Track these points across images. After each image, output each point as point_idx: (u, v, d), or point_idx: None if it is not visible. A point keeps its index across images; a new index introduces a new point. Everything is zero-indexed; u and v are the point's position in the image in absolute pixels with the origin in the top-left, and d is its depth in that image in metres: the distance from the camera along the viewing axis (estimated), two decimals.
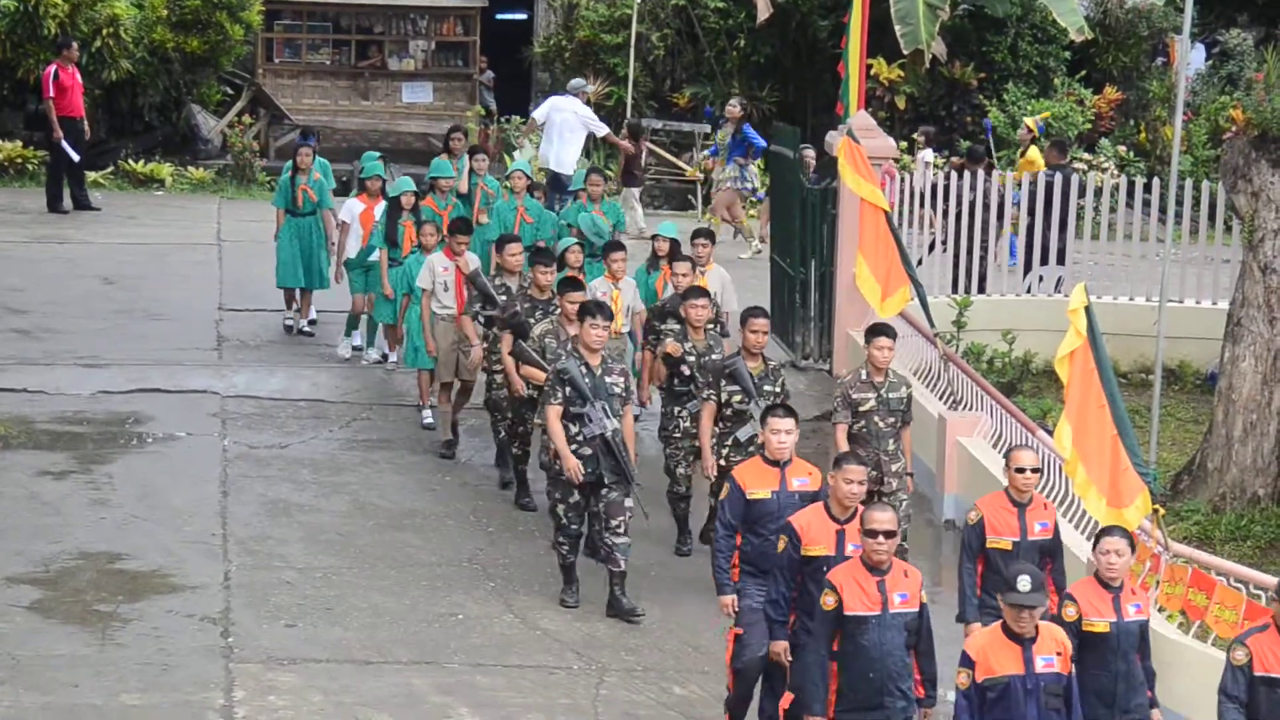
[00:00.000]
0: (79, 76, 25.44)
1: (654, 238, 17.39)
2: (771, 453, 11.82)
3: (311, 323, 20.26)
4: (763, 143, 24.38)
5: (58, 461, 16.20)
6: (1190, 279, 20.41)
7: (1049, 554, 11.81)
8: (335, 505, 15.63)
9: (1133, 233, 21.06)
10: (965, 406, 16.44)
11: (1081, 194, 20.90)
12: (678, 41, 30.17)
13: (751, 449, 13.33)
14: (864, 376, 13.95)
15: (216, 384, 18.43)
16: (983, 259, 20.68)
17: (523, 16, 32.45)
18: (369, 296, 18.85)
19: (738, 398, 13.94)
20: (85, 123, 25.39)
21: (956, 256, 20.45)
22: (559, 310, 14.93)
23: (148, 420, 17.38)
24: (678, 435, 14.98)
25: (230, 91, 29.94)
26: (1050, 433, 13.53)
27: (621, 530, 13.38)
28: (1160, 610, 12.22)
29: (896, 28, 26.74)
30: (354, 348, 19.37)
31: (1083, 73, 29.32)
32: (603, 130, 25.63)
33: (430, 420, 17.34)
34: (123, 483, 15.81)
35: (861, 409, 13.87)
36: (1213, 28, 31.85)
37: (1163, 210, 19.66)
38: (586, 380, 13.39)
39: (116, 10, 27.61)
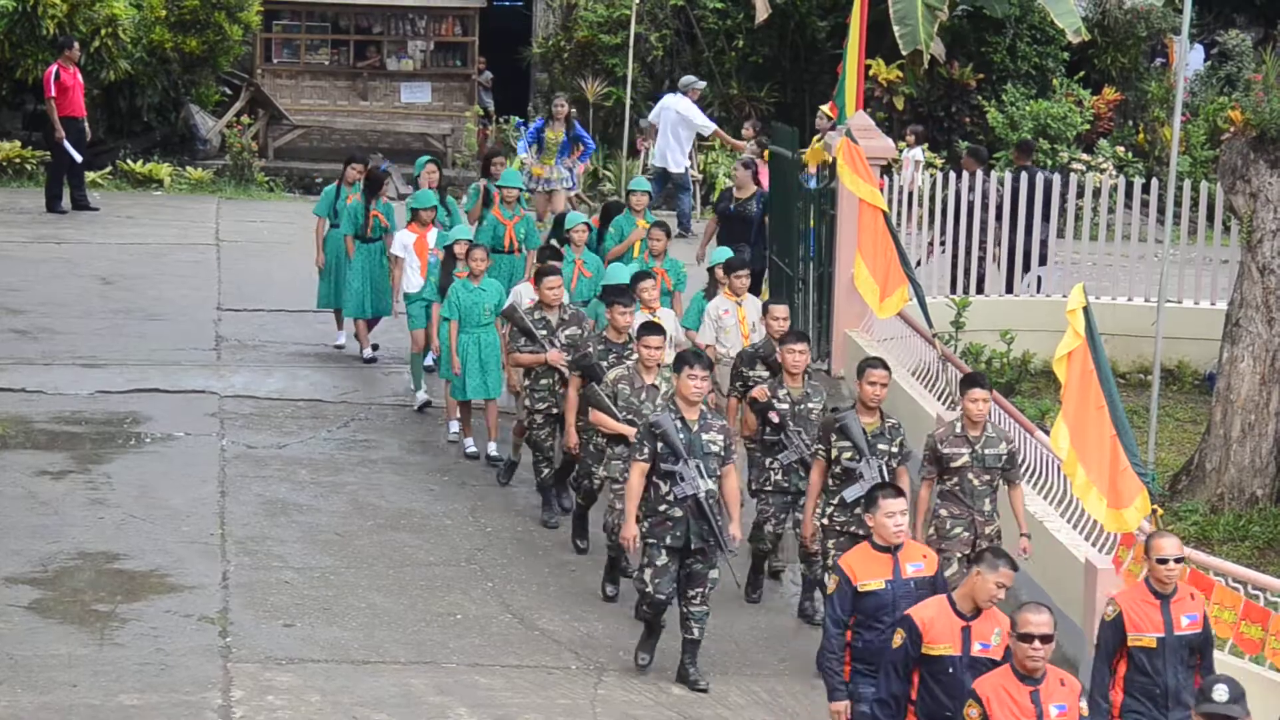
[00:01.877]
0: (80, 76, 25.45)
1: (711, 268, 16.88)
2: (884, 538, 10.85)
3: (374, 347, 19.51)
4: (593, 144, 23.94)
5: (56, 461, 16.19)
6: (1189, 280, 20.41)
7: (1199, 650, 10.72)
8: (333, 505, 15.63)
9: (1131, 233, 21.05)
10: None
11: (1080, 194, 20.91)
12: (676, 42, 30.15)
13: (857, 510, 12.40)
14: (958, 430, 12.88)
15: (214, 384, 18.44)
16: (981, 259, 20.68)
17: (520, 2, 32.43)
18: (418, 333, 17.90)
19: (848, 455, 12.68)
20: (86, 123, 25.40)
21: (955, 257, 20.45)
22: (635, 355, 13.98)
23: (146, 420, 17.38)
24: (769, 489, 13.85)
25: (229, 92, 29.92)
26: (1048, 433, 13.52)
27: (699, 601, 12.49)
28: None
29: (895, 28, 26.72)
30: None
31: (1081, 73, 29.30)
32: (710, 128, 25.84)
33: (473, 449, 16.78)
34: (121, 482, 15.81)
35: (953, 465, 12.76)
36: (1211, 28, 31.82)
37: (1161, 211, 19.67)
38: (681, 436, 12.34)
39: (115, 10, 27.59)
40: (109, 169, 27.43)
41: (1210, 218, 20.23)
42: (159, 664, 12.45)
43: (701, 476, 12.26)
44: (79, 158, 25.19)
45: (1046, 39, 29.38)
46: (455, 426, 17.05)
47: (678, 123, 25.80)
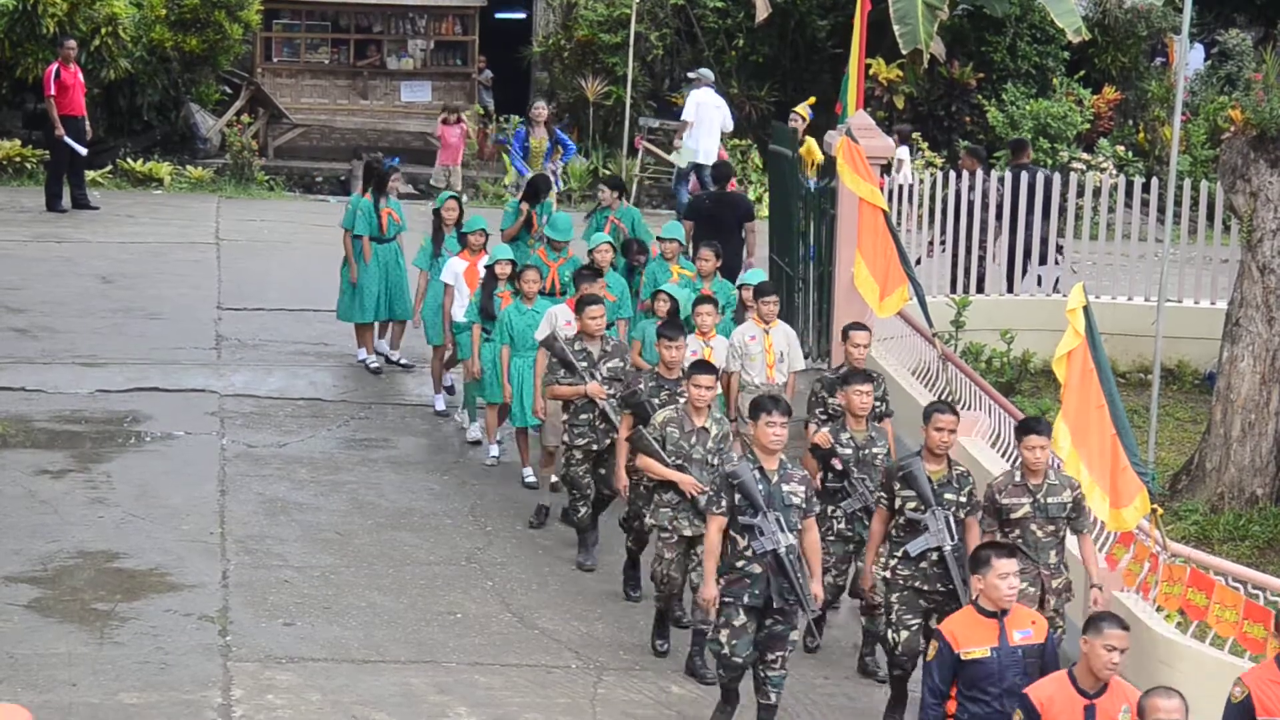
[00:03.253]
0: (80, 75, 25.44)
1: (740, 287, 16.59)
2: (994, 601, 10.11)
3: (392, 362, 19.05)
4: (574, 146, 23.41)
5: (56, 460, 16.19)
6: (1189, 279, 20.41)
7: None
8: (333, 504, 15.63)
9: (1131, 232, 21.05)
10: (964, 406, 16.41)
11: (1080, 194, 20.90)
12: (676, 41, 30.15)
13: (922, 564, 11.89)
14: (1017, 479, 12.09)
15: (215, 383, 18.44)
16: (981, 258, 20.67)
17: (521, 16, 32.44)
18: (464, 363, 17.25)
19: (912, 505, 11.95)
20: (87, 121, 25.41)
21: (955, 256, 20.44)
22: (685, 396, 13.12)
23: (146, 419, 17.38)
24: (830, 538, 13.02)
25: (229, 91, 29.92)
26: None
27: (778, 664, 11.65)
28: (1159, 610, 12.22)
29: (895, 28, 26.73)
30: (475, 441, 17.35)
31: (1081, 73, 29.32)
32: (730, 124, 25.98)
33: (533, 478, 16.05)
34: (121, 481, 15.81)
35: (1014, 516, 11.97)
36: (1211, 28, 31.83)
37: (1161, 210, 19.66)
38: (761, 487, 11.50)
39: (115, 9, 27.58)
40: (109, 168, 27.42)
41: (1210, 217, 20.22)
42: (159, 663, 12.45)
43: (782, 530, 11.45)
44: (83, 151, 25.19)
45: (1047, 38, 29.40)
46: (495, 450, 16.59)
47: (716, 117, 25.73)
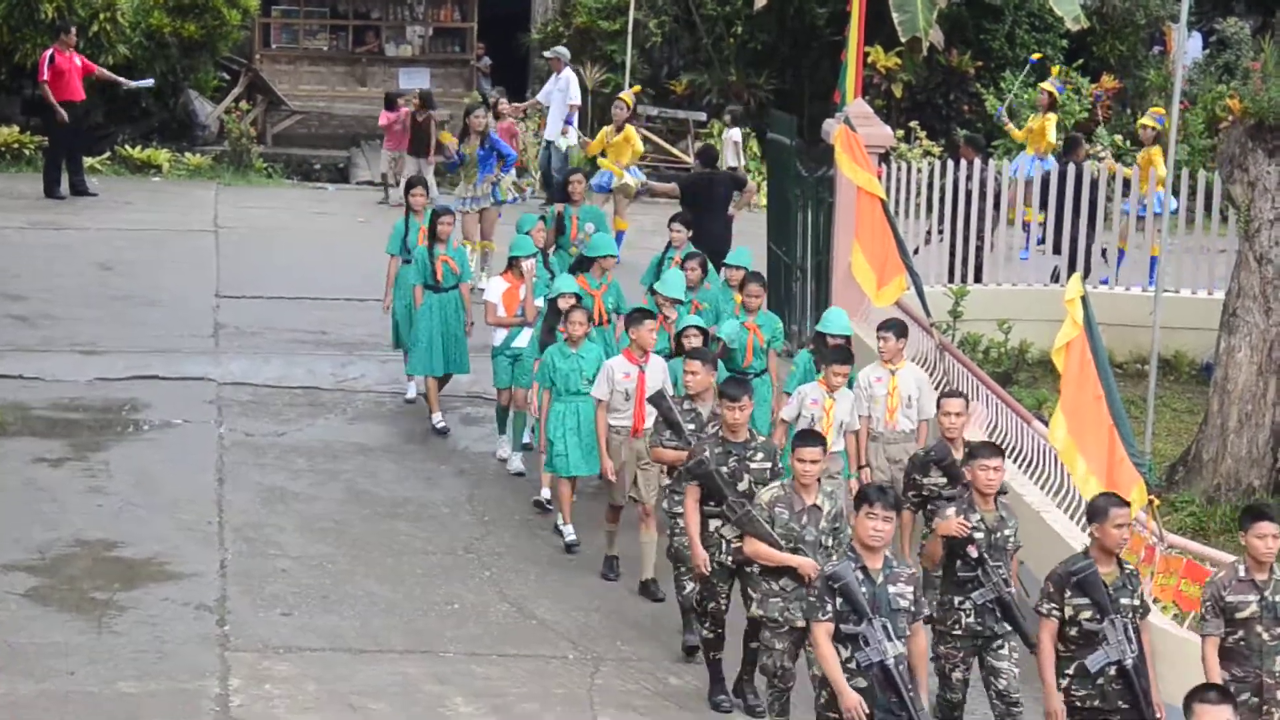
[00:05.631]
0: (78, 60, 25.43)
1: (726, 267, 16.18)
2: None
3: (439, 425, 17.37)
4: (513, 152, 22.34)
5: (54, 448, 16.20)
6: (1187, 269, 20.42)
7: None
8: (331, 493, 15.64)
9: (1130, 222, 21.05)
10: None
11: (1079, 182, 20.91)
12: (675, 28, 30.14)
13: (1101, 681, 10.63)
14: (1241, 573, 10.86)
15: (213, 371, 18.44)
16: (979, 248, 20.69)
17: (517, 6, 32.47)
18: (518, 391, 16.08)
19: (1088, 615, 10.60)
20: (86, 106, 25.43)
21: (953, 245, 20.46)
22: (791, 475, 11.64)
23: (144, 407, 17.38)
24: (958, 632, 11.54)
25: (227, 77, 29.90)
26: (1046, 423, 13.53)
27: None
28: (1155, 601, 12.24)
29: (894, 15, 26.74)
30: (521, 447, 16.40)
31: (1080, 61, 29.30)
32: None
33: (573, 537, 14.82)
34: (119, 470, 15.83)
35: (1239, 615, 10.75)
36: (1210, 16, 31.82)
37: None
38: (864, 590, 10.18)
39: None
40: (107, 154, 27.40)
41: (1208, 206, 20.23)
42: (156, 652, 12.49)
43: (890, 638, 10.14)
44: (149, 82, 25.74)
45: (1045, 26, 29.40)
46: (545, 493, 15.43)
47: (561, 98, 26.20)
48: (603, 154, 23.02)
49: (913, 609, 10.31)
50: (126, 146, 27.69)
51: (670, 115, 29.43)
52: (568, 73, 26.38)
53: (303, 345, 19.48)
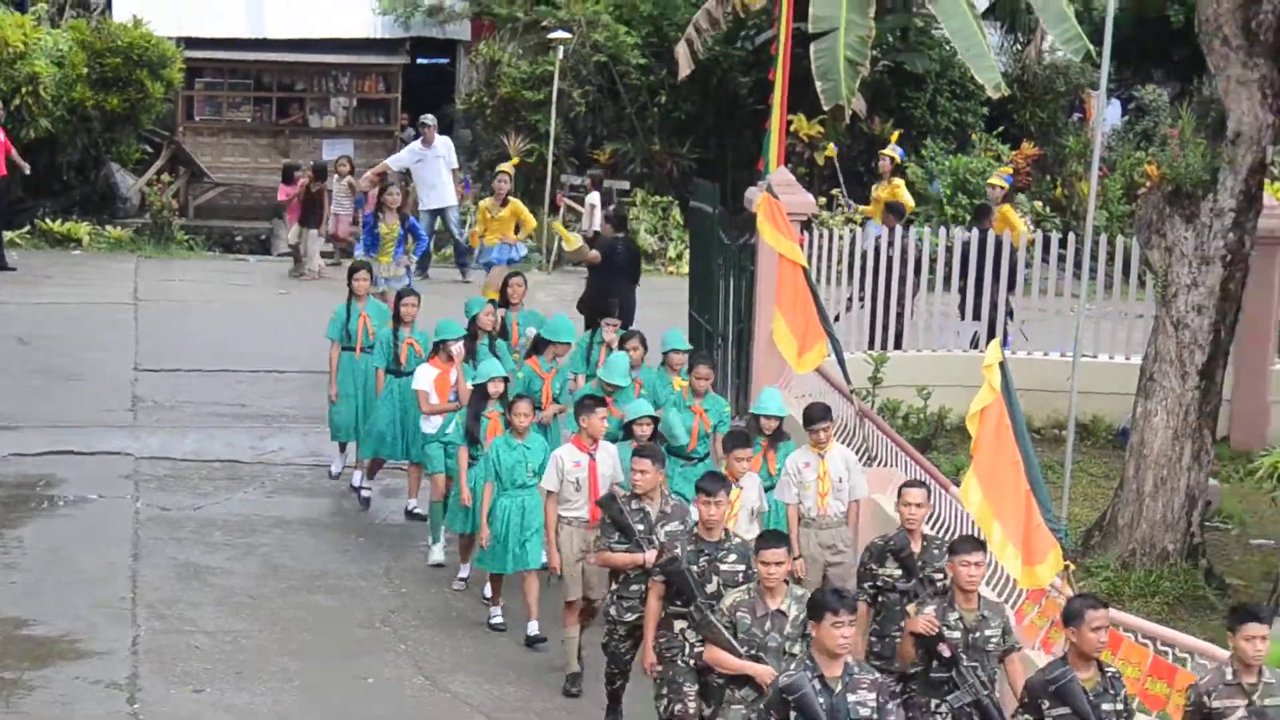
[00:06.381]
0: (3, 134, 25.33)
1: (668, 352, 15.99)
2: None
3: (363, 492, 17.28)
4: (425, 237, 22.26)
5: None
6: (1104, 334, 20.52)
7: None
8: (247, 567, 15.53)
9: (1047, 287, 21.17)
10: (880, 463, 16.44)
11: (998, 250, 20.99)
12: (599, 98, 30.23)
13: None
14: (1228, 677, 10.31)
15: (130, 445, 18.34)
16: (899, 315, 20.74)
17: (444, 61, 32.50)
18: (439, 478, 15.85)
19: None
20: (13, 177, 25.35)
21: (873, 312, 20.51)
22: (758, 576, 10.91)
23: (60, 483, 17.25)
24: None
25: (150, 150, 29.79)
26: None
27: None
28: None
29: (817, 83, 26.81)
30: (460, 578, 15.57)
31: (1000, 129, 29.54)
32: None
33: (499, 620, 14.52)
34: (33, 546, 15.71)
35: None
36: (1129, 83, 32.13)
37: (1078, 265, 19.78)
38: (822, 700, 9.46)
39: (36, 68, 27.51)
40: (27, 228, 27.25)
41: (1126, 272, 20.35)
42: None
43: None
44: (25, 168, 25.71)
45: (966, 94, 29.65)
46: (465, 571, 15.28)
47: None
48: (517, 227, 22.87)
49: (874, 718, 9.55)
50: (47, 220, 27.56)
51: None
52: (444, 139, 26.95)
53: (221, 418, 19.38)
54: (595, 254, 21.00)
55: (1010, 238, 20.91)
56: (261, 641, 14.04)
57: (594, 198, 27.00)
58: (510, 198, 22.73)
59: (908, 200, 24.56)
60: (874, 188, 25.37)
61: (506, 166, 23.97)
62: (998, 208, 22.89)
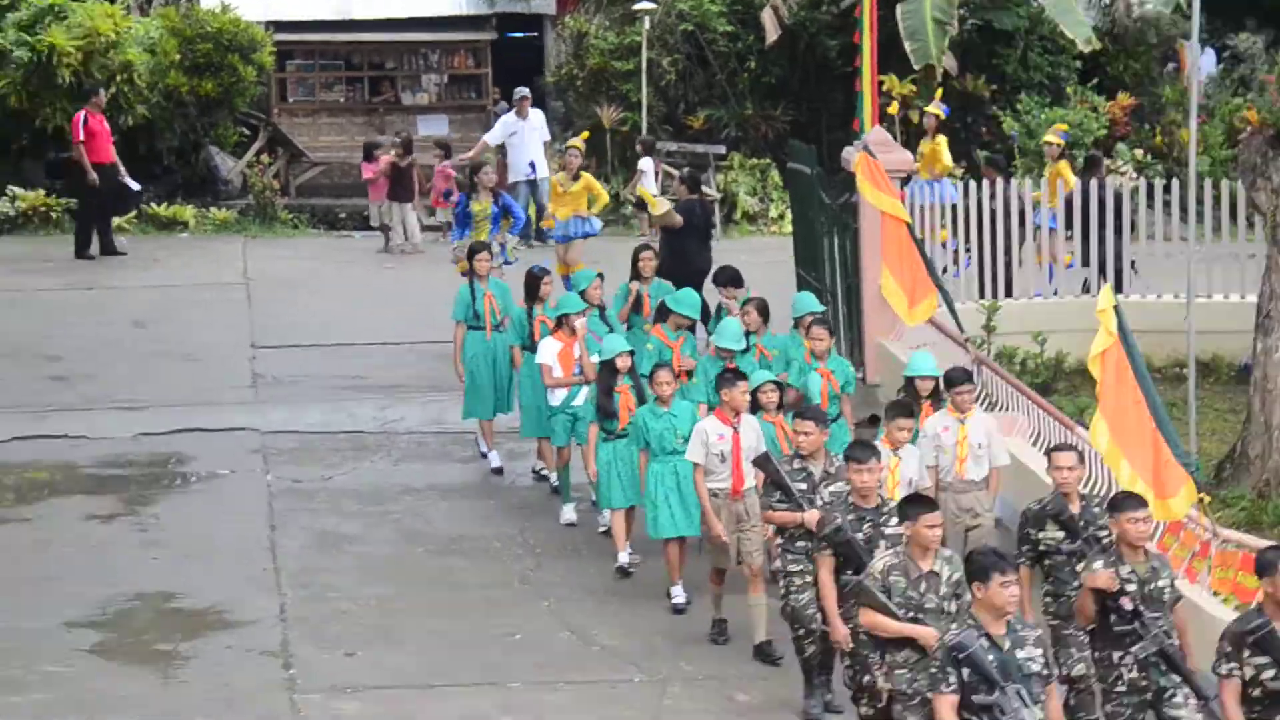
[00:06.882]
0: (106, 123, 25.64)
1: (798, 318, 15.88)
2: None
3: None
4: (522, 215, 21.78)
5: (104, 505, 16.34)
6: (1216, 275, 20.53)
7: None
8: (383, 534, 15.75)
9: (1155, 233, 21.21)
10: (1000, 408, 16.52)
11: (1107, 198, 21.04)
12: (689, 65, 30.28)
13: None
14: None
15: (255, 420, 18.55)
16: (1008, 264, 20.82)
17: (533, 34, 32.62)
18: (564, 451, 16.09)
19: (1269, 674, 10.01)
20: (118, 167, 25.61)
21: (981, 263, 20.60)
22: (907, 538, 10.92)
23: (190, 460, 17.49)
24: (1121, 689, 10.87)
25: (247, 132, 30.06)
26: (1088, 428, 13.59)
27: None
28: (1214, 594, 12.32)
29: (906, 44, 26.81)
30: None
31: (1095, 80, 29.44)
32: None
33: (682, 599, 14.21)
34: (170, 523, 15.96)
35: None
36: (1221, 32, 31.97)
37: (1184, 209, 19.82)
38: (992, 657, 9.57)
39: (130, 56, 27.76)
40: (134, 213, 27.55)
41: (1234, 214, 20.36)
42: (225, 699, 12.60)
43: (1026, 705, 9.53)
44: (137, 186, 25.81)
45: (1058, 49, 29.54)
46: (624, 558, 14.93)
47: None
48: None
49: (1045, 672, 9.73)
50: (152, 204, 27.85)
51: (689, 149, 29.55)
52: (537, 111, 26.99)
53: (342, 390, 19.58)
54: (679, 218, 20.96)
55: (1064, 188, 20.93)
56: (406, 604, 14.24)
57: (645, 163, 26.90)
58: (582, 172, 22.50)
59: (946, 159, 24.50)
60: (920, 143, 25.26)
61: (577, 141, 24.06)
62: (1054, 163, 22.87)
